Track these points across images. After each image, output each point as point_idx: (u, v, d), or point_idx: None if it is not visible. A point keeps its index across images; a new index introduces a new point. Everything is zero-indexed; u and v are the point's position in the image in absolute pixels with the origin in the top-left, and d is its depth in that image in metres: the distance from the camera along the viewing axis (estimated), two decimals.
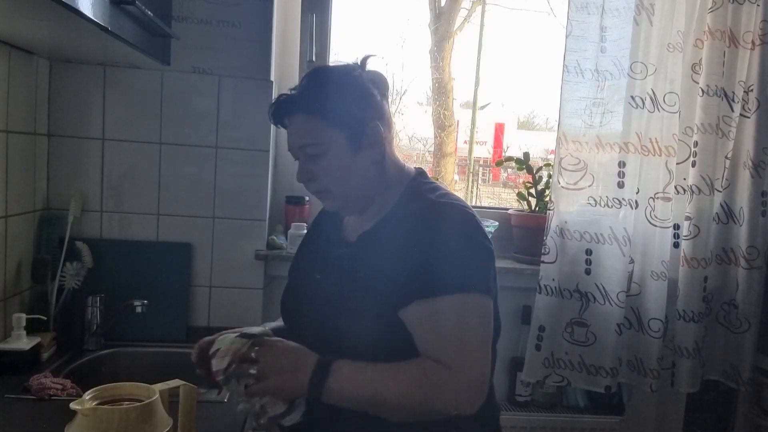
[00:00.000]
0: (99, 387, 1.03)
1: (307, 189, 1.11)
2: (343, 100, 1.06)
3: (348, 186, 1.08)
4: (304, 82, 1.09)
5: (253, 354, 1.00)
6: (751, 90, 1.80)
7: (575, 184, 1.81)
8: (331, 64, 1.17)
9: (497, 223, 1.88)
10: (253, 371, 0.99)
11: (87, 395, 1.01)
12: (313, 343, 1.03)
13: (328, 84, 1.08)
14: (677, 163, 1.79)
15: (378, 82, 1.10)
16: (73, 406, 0.98)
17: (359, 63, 1.12)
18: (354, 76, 1.09)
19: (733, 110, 1.81)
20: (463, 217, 1.03)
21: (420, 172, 1.16)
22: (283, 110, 1.08)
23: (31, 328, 1.50)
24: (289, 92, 1.10)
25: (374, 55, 1.13)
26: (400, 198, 1.09)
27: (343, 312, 1.02)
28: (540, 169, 1.99)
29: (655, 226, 1.79)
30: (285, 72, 1.93)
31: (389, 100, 1.13)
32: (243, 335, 1.02)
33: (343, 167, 1.07)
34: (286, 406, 0.99)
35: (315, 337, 1.05)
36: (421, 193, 1.08)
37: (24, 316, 1.47)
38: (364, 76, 1.10)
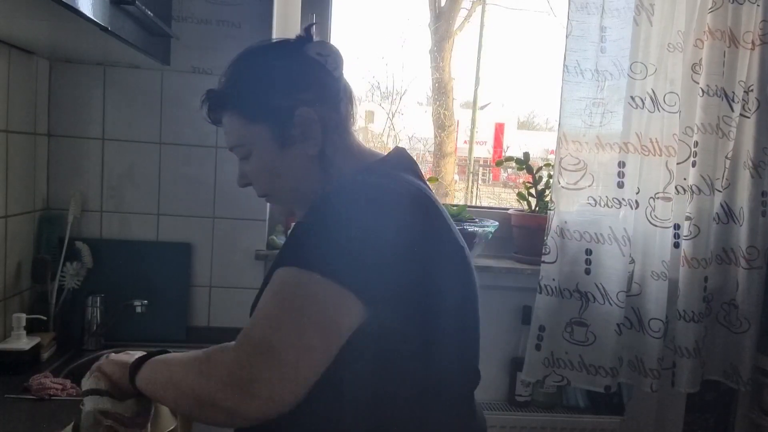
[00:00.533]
0: None
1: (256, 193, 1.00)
2: (263, 89, 0.91)
3: (282, 186, 0.95)
4: (225, 72, 0.96)
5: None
6: (751, 90, 1.80)
7: (575, 184, 1.81)
8: (267, 41, 1.00)
9: (497, 223, 1.88)
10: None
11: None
12: None
13: (247, 71, 0.94)
14: (677, 163, 1.79)
15: (330, 55, 0.94)
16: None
17: (303, 35, 0.95)
18: (283, 54, 0.94)
19: (733, 110, 1.81)
20: (376, 192, 0.83)
21: (390, 155, 0.97)
22: (211, 110, 0.97)
23: (31, 328, 1.50)
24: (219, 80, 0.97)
25: (316, 23, 0.99)
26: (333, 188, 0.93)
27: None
28: (540, 169, 1.99)
29: (656, 226, 1.79)
30: None
31: (342, 74, 0.96)
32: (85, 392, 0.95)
33: (271, 167, 0.93)
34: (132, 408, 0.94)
35: None
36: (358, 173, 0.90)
37: (24, 316, 1.46)
38: (306, 50, 0.93)
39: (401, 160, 0.98)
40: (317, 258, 0.76)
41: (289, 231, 1.00)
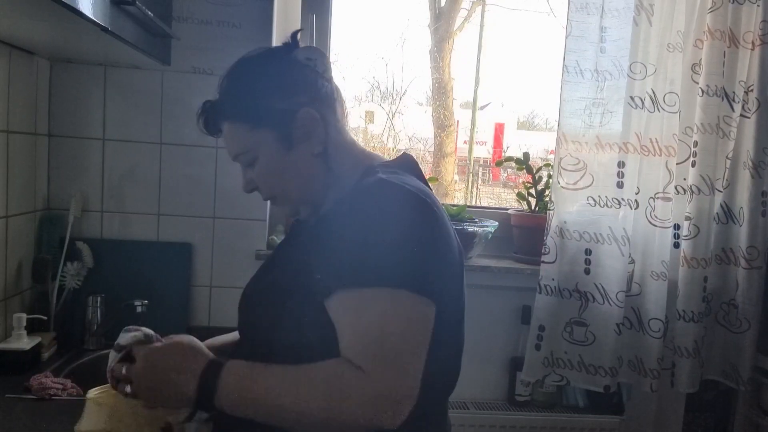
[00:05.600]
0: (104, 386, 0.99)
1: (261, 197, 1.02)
2: (263, 94, 0.94)
3: (290, 187, 0.98)
4: (222, 83, 1.00)
5: (123, 370, 0.89)
6: (752, 90, 1.80)
7: (575, 184, 1.81)
8: (257, 50, 1.01)
9: (497, 223, 1.88)
10: (128, 389, 0.88)
11: (92, 391, 0.98)
12: (246, 342, 0.97)
13: (244, 79, 0.97)
14: (677, 163, 1.79)
15: (317, 59, 0.98)
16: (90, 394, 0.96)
17: (290, 41, 0.98)
18: (275, 60, 0.97)
19: (733, 110, 1.81)
20: (408, 203, 0.86)
21: (396, 159, 1.01)
22: (210, 122, 1.00)
23: (32, 328, 1.50)
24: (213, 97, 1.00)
25: (301, 30, 1.03)
26: (351, 188, 0.94)
27: (271, 305, 0.92)
28: (540, 169, 1.99)
29: (655, 226, 1.79)
30: None
31: (331, 76, 1.01)
32: (116, 347, 0.94)
33: (279, 169, 0.96)
34: (184, 414, 0.91)
35: (248, 335, 0.98)
36: (372, 173, 0.92)
37: (24, 316, 1.47)
38: (295, 56, 0.97)
39: (406, 161, 1.02)
40: (403, 274, 0.82)
41: (302, 232, 1.00)
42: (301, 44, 0.99)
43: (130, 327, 0.96)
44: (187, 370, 0.84)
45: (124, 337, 0.94)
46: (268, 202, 1.78)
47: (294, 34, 0.98)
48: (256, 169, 0.97)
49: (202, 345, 0.90)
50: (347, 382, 0.78)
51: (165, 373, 0.86)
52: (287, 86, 0.95)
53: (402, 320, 0.81)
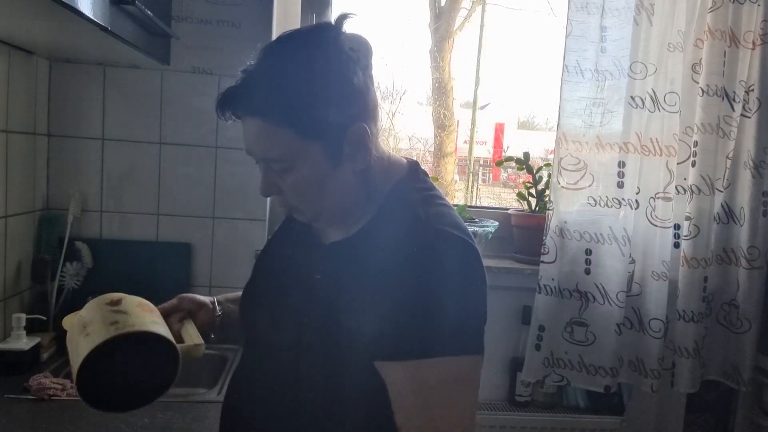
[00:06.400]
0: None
1: (276, 201, 0.90)
2: (319, 101, 0.80)
3: (325, 204, 0.87)
4: (262, 70, 0.84)
5: None
6: (752, 90, 1.80)
7: (575, 184, 1.81)
8: (294, 32, 0.86)
9: (497, 223, 1.88)
10: None
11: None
12: (267, 348, 0.91)
13: (294, 79, 0.81)
14: (677, 163, 1.79)
15: (360, 50, 0.84)
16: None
17: (333, 25, 0.83)
18: (323, 53, 0.82)
19: (733, 110, 1.81)
20: (465, 252, 0.82)
21: (411, 170, 0.92)
22: (236, 108, 0.84)
23: (31, 328, 1.50)
24: (241, 78, 0.85)
25: (352, 15, 0.84)
26: (381, 207, 0.87)
27: (307, 336, 0.84)
28: (540, 169, 1.99)
29: (656, 226, 1.79)
30: None
31: (373, 73, 0.87)
32: None
33: (318, 185, 0.84)
34: None
35: (270, 343, 0.91)
36: (409, 204, 0.85)
37: (24, 316, 1.46)
38: (341, 45, 0.82)
39: (423, 174, 0.94)
40: (470, 338, 0.80)
41: (330, 247, 0.91)
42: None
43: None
44: None
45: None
46: (268, 202, 1.79)
47: (341, 18, 0.83)
48: (288, 179, 0.84)
49: None
50: None
51: None
52: (343, 98, 0.82)
53: (468, 386, 0.80)
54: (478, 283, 0.83)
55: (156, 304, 1.00)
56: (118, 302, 0.90)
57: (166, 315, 1.01)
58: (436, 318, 0.77)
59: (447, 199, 0.92)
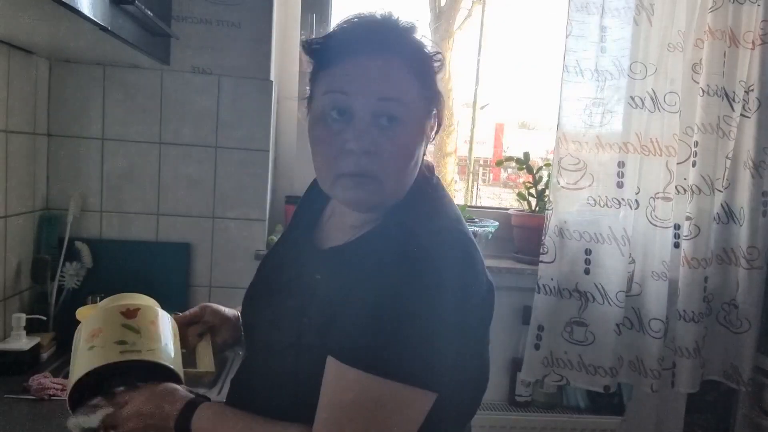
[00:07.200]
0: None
1: (348, 167, 0.81)
2: (435, 73, 0.85)
3: (403, 176, 0.83)
4: (401, 27, 0.84)
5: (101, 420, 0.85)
6: (752, 90, 1.80)
7: (575, 184, 1.81)
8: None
9: (497, 223, 1.88)
10: None
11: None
12: (267, 348, 0.91)
13: (425, 48, 0.85)
14: (677, 163, 1.79)
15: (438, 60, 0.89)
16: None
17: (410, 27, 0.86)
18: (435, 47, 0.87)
19: (733, 110, 1.81)
20: (455, 284, 0.77)
21: (424, 179, 0.89)
22: (380, 40, 0.81)
23: (31, 328, 1.50)
24: (381, 18, 0.84)
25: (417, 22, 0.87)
26: (389, 213, 0.85)
27: (307, 337, 0.83)
28: (540, 169, 1.99)
29: (656, 226, 1.79)
30: (285, 72, 1.93)
31: None
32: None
33: (413, 152, 0.83)
34: None
35: (270, 344, 0.91)
36: (411, 219, 0.82)
37: (24, 316, 1.46)
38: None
39: (437, 181, 0.93)
40: (413, 370, 0.73)
41: (327, 253, 0.89)
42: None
43: (90, 405, 0.86)
44: (162, 415, 0.84)
45: (89, 420, 0.86)
46: (268, 202, 1.79)
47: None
48: (391, 133, 0.80)
49: (176, 387, 0.88)
50: None
51: (143, 420, 0.84)
52: (438, 80, 0.86)
53: (389, 415, 0.74)
54: (462, 321, 0.77)
55: None
56: (133, 313, 0.87)
57: (186, 324, 1.01)
58: (398, 342, 0.73)
59: (455, 208, 0.89)
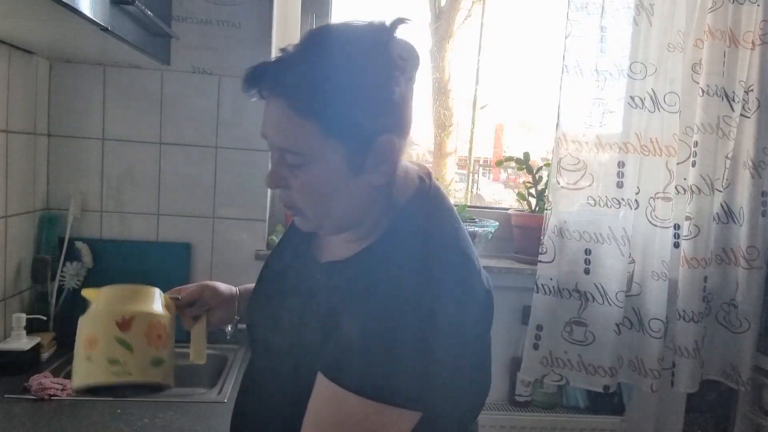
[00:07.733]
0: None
1: (280, 198, 0.83)
2: (354, 100, 0.75)
3: (329, 211, 0.80)
4: (303, 54, 0.76)
5: None
6: (752, 90, 1.80)
7: (575, 184, 1.81)
8: (345, 24, 0.81)
9: (497, 223, 1.88)
10: None
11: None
12: (270, 349, 0.91)
13: (334, 75, 0.74)
14: (677, 163, 1.79)
15: (409, 60, 0.79)
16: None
17: (387, 27, 0.77)
18: (372, 56, 0.76)
19: (733, 110, 1.81)
20: (448, 308, 0.75)
21: (422, 191, 0.85)
22: (264, 85, 0.78)
23: (31, 328, 1.50)
24: (278, 56, 0.78)
25: (409, 21, 0.78)
26: (386, 230, 0.82)
27: (308, 338, 0.82)
28: (540, 169, 1.99)
29: (656, 226, 1.79)
30: None
31: (414, 86, 0.82)
32: None
33: (330, 190, 0.78)
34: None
35: (273, 345, 0.91)
36: (408, 236, 0.80)
37: (24, 316, 1.46)
38: (391, 51, 0.77)
39: (434, 191, 0.88)
40: (390, 387, 0.71)
41: (325, 267, 0.87)
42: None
43: None
44: None
45: None
46: (268, 202, 1.79)
47: (395, 24, 0.77)
48: (300, 176, 0.78)
49: None
50: None
51: None
52: (380, 102, 0.76)
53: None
54: (455, 339, 0.75)
55: None
56: (128, 324, 0.87)
57: (185, 305, 1.02)
58: (386, 364, 0.72)
59: (455, 217, 0.86)
